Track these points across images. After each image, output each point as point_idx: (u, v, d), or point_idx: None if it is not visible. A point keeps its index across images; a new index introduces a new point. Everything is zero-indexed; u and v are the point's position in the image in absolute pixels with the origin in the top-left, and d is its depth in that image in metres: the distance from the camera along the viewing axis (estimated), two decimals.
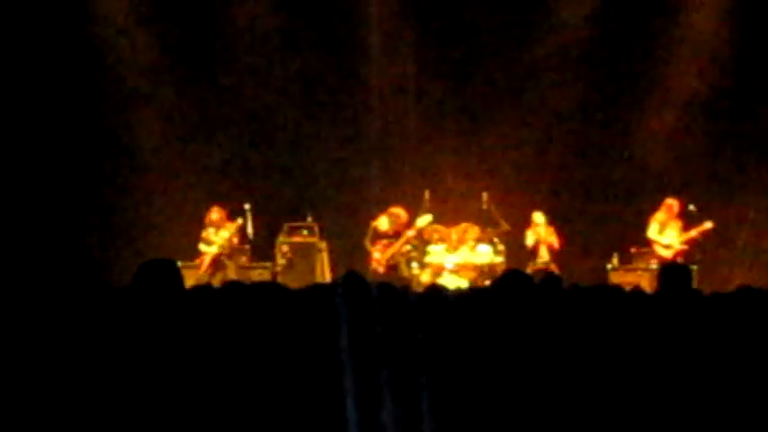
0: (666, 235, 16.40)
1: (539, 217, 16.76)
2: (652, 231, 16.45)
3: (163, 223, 17.70)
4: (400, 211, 16.31)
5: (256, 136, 18.52)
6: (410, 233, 16.19)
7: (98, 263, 16.84)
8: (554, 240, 16.65)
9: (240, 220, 16.27)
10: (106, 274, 15.54)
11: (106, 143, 18.13)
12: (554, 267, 16.18)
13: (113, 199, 18.06)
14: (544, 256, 16.57)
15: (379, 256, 16.13)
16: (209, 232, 16.37)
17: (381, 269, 16.08)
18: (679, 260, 15.75)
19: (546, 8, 18.20)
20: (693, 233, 16.26)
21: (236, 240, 16.43)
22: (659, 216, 16.47)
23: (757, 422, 5.57)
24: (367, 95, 18.49)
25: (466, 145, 18.34)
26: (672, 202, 16.46)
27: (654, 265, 16.28)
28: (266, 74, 18.30)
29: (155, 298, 5.96)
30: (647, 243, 16.58)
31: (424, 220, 16.30)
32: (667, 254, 16.30)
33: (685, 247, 16.31)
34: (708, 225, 16.14)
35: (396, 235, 16.20)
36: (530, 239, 16.68)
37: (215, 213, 16.41)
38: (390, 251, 16.16)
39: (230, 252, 16.42)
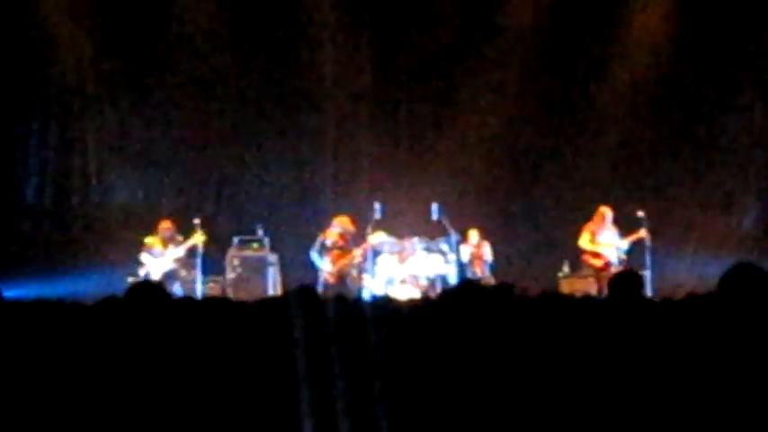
0: (599, 243, 16.37)
1: (473, 236, 16.81)
2: (583, 240, 16.40)
3: (112, 236, 17.65)
4: (346, 221, 16.28)
5: (205, 150, 18.48)
6: (358, 251, 16.16)
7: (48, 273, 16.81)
8: (486, 253, 16.72)
9: (199, 236, 16.01)
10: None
11: (54, 157, 18.09)
12: (489, 280, 16.22)
13: (62, 208, 18.04)
14: (479, 270, 16.65)
15: (330, 268, 16.09)
16: (157, 245, 16.16)
17: (332, 280, 16.05)
18: (612, 268, 15.81)
19: (493, 22, 18.32)
20: (627, 241, 16.30)
21: (185, 256, 16.28)
22: (591, 225, 16.46)
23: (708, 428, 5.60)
24: (319, 110, 18.50)
25: (416, 156, 18.41)
26: (604, 210, 16.46)
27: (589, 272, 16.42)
28: (217, 87, 18.27)
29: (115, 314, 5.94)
30: (579, 252, 16.59)
31: (376, 237, 16.29)
32: (597, 263, 16.32)
33: (612, 257, 16.29)
34: (642, 233, 16.12)
35: (345, 245, 16.18)
36: (464, 255, 16.71)
37: (167, 227, 16.26)
38: (341, 263, 16.13)
39: (180, 268, 16.30)
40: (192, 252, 16.25)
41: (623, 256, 16.30)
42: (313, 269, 16.22)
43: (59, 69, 17.85)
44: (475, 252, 16.73)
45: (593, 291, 15.74)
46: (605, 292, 8.65)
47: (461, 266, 16.52)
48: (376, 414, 5.49)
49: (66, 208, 18.15)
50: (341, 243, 16.19)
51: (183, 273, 16.31)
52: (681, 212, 17.90)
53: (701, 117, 18.08)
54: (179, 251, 16.08)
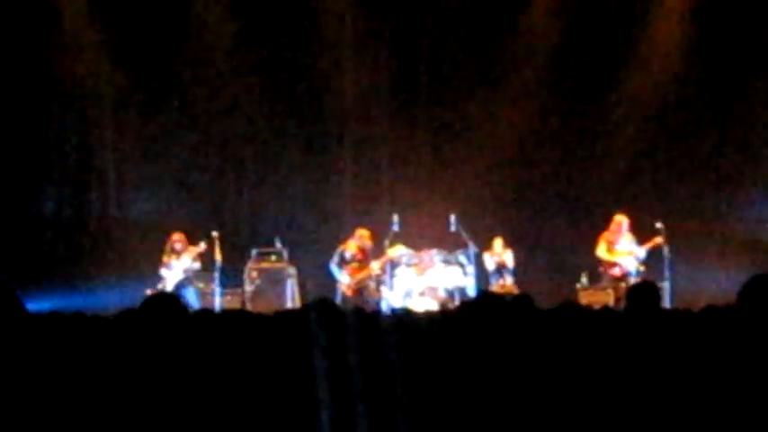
0: (616, 252, 16.36)
1: (497, 245, 16.78)
2: (600, 250, 16.39)
3: (132, 250, 17.71)
4: (366, 235, 16.30)
5: (224, 162, 18.52)
6: (376, 264, 16.15)
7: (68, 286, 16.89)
8: (509, 261, 16.67)
9: (202, 245, 16.18)
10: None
11: (73, 172, 18.18)
12: (512, 288, 16.18)
13: (81, 222, 18.12)
14: (506, 278, 16.61)
15: (348, 280, 16.11)
16: (170, 258, 16.28)
17: (350, 292, 16.07)
18: (630, 279, 15.81)
19: (511, 34, 18.31)
20: (644, 248, 16.27)
21: (197, 265, 16.35)
22: (608, 234, 16.44)
23: None
24: (337, 122, 18.51)
25: (434, 168, 18.39)
26: (620, 219, 16.45)
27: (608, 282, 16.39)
28: (236, 100, 18.29)
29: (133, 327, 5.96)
30: (597, 261, 16.56)
31: (395, 250, 16.30)
32: (615, 272, 16.30)
33: (630, 266, 16.26)
34: (659, 240, 16.11)
35: (363, 259, 16.19)
36: (489, 264, 16.69)
37: (176, 239, 16.35)
38: (359, 276, 16.15)
39: (193, 277, 16.36)
40: (204, 261, 16.32)
41: (641, 266, 16.27)
42: (331, 281, 16.23)
43: (79, 84, 17.90)
44: (499, 260, 16.70)
45: (612, 302, 15.70)
46: (623, 301, 8.64)
47: (480, 278, 16.48)
48: (396, 426, 5.50)
49: (86, 221, 18.21)
50: (360, 256, 16.21)
51: (198, 283, 16.41)
52: (699, 224, 17.82)
53: (718, 126, 18.01)
54: (185, 261, 16.18)
